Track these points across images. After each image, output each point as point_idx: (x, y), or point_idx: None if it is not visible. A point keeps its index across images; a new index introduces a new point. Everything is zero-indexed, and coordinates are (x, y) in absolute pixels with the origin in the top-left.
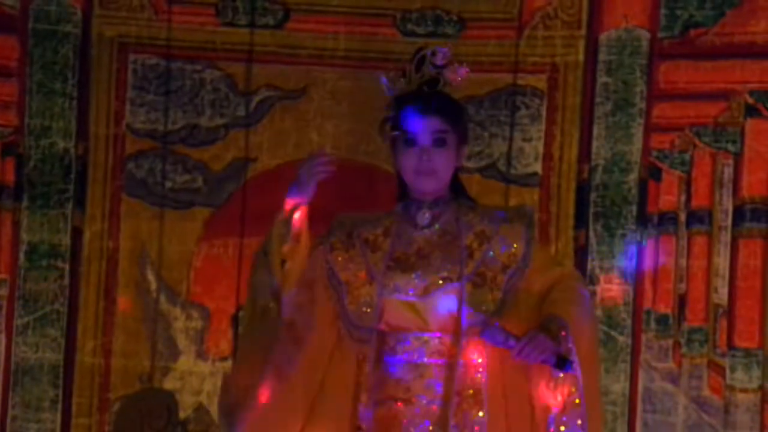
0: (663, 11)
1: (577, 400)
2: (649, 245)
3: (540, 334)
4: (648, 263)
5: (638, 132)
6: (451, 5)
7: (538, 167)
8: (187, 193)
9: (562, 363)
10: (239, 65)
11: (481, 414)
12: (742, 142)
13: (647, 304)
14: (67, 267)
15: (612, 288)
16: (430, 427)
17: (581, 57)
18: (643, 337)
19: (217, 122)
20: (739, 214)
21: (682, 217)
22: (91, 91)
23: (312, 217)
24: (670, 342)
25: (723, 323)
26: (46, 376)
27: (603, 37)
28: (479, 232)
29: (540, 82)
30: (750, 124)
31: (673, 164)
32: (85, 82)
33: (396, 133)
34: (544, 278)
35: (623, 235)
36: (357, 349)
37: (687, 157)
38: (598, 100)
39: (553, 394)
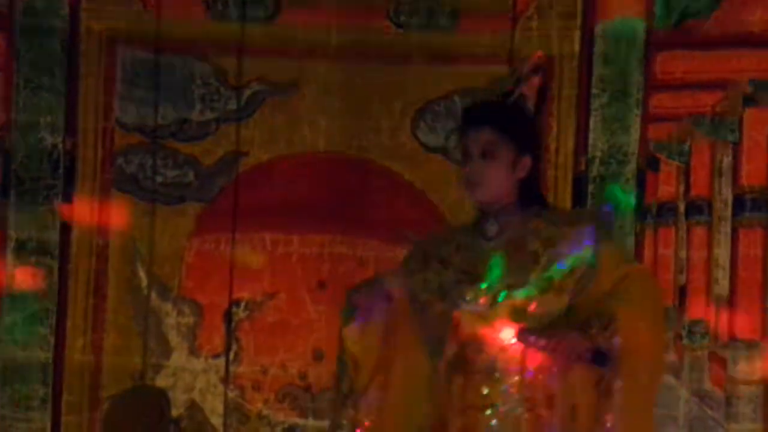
0: (658, 1)
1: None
2: (648, 236)
3: (571, 332)
4: (647, 254)
5: (635, 123)
6: None
7: None
8: (178, 188)
9: (600, 358)
10: (230, 59)
11: (553, 419)
12: (740, 132)
13: None
14: (56, 264)
15: None
16: None
17: (577, 48)
18: None
19: (208, 116)
20: (738, 204)
21: (681, 207)
22: (80, 85)
23: (306, 213)
24: (671, 334)
25: (724, 315)
26: (36, 375)
27: (598, 27)
28: (546, 238)
29: None
30: (748, 113)
31: (671, 154)
32: (74, 77)
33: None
34: (611, 279)
35: (621, 227)
36: (438, 363)
37: (685, 147)
38: (594, 91)
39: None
